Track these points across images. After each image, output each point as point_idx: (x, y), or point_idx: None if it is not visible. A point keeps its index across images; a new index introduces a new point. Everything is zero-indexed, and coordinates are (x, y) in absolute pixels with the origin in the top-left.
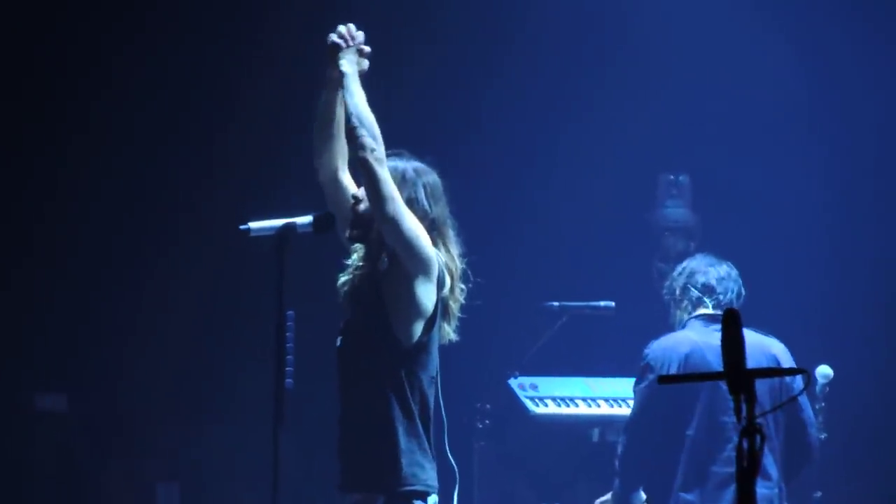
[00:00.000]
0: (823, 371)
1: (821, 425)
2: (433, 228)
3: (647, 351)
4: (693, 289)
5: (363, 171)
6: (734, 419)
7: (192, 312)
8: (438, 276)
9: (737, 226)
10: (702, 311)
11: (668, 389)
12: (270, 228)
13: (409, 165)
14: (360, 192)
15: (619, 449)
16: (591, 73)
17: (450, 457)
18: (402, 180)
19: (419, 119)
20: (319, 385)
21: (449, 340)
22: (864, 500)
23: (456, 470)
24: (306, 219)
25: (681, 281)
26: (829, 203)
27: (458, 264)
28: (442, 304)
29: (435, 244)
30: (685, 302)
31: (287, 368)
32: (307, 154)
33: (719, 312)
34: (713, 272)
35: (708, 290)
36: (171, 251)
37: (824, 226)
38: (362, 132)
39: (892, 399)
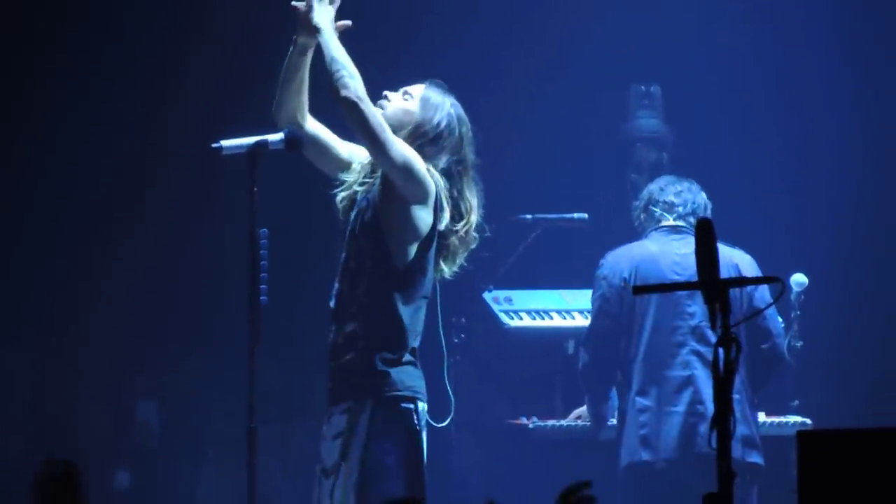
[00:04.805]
0: (798, 279)
1: (796, 333)
2: (461, 165)
3: (600, 262)
4: (654, 207)
5: (350, 114)
6: (687, 323)
7: (165, 233)
8: (435, 201)
9: (709, 135)
10: (664, 223)
11: (620, 297)
12: (242, 146)
13: (450, 99)
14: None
15: (579, 364)
16: None
17: (447, 385)
18: (441, 107)
19: (389, 34)
20: (294, 301)
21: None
22: (841, 408)
23: (452, 398)
24: (278, 136)
25: (643, 203)
26: (802, 108)
27: (473, 212)
28: (440, 238)
29: (455, 180)
30: (649, 220)
31: (261, 286)
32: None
33: (681, 223)
34: (671, 188)
35: (668, 205)
36: (143, 172)
37: (796, 132)
38: (342, 74)
39: (869, 306)
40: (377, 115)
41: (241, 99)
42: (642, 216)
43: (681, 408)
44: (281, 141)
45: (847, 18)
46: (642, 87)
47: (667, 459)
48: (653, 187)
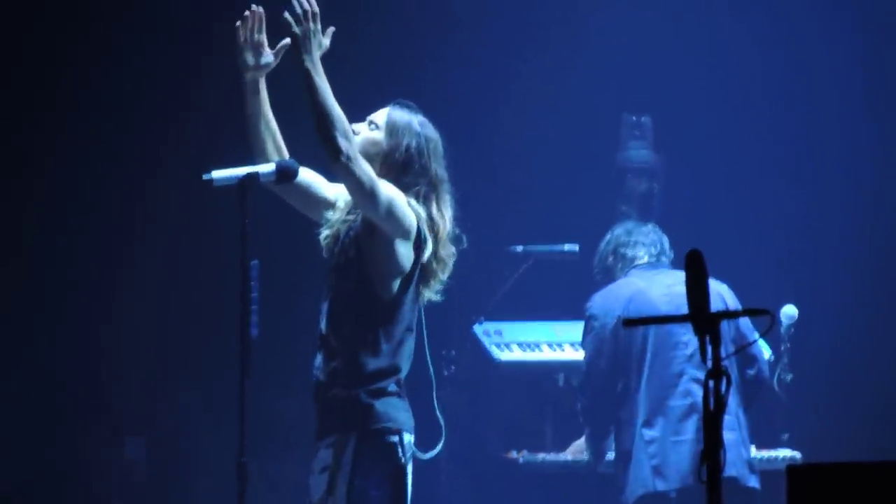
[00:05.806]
0: (788, 311)
1: (786, 366)
2: (431, 186)
3: (588, 304)
4: (624, 249)
5: (341, 175)
6: (683, 352)
7: (156, 264)
8: (417, 236)
9: (701, 166)
10: (639, 262)
11: (615, 336)
12: (233, 178)
13: (416, 118)
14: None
15: (579, 405)
16: (553, 13)
17: (438, 413)
18: (406, 129)
19: (383, 64)
20: (284, 334)
21: (428, 300)
22: (831, 441)
23: (443, 426)
24: (269, 167)
25: (610, 248)
26: (796, 138)
27: (448, 226)
28: (422, 266)
29: (429, 201)
30: (620, 264)
31: (252, 318)
32: (273, 102)
33: (655, 261)
34: (638, 231)
35: (640, 245)
36: (133, 203)
37: (790, 162)
38: (334, 134)
39: (859, 338)
40: (367, 171)
41: (234, 129)
42: (610, 259)
43: (688, 436)
44: (272, 173)
45: (840, 47)
46: (633, 118)
47: (680, 489)
48: (618, 231)
